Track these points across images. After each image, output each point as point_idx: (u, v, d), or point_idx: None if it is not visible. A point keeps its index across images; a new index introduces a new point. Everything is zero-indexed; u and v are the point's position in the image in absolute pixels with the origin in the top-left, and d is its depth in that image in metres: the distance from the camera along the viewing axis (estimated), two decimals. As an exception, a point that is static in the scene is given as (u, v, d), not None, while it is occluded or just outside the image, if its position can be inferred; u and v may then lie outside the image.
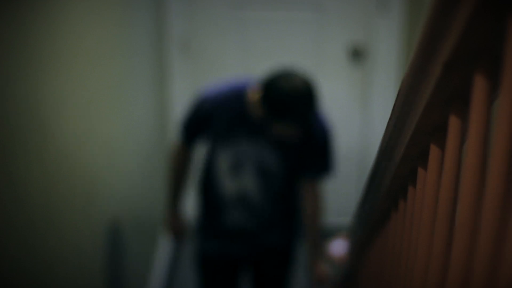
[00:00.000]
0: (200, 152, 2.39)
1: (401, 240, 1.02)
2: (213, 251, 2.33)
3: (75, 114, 1.80)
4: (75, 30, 1.77)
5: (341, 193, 3.51)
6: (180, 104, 3.34)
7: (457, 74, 0.63)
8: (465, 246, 0.61)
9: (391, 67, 3.35)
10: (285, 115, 1.98)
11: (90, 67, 1.94)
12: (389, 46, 3.33)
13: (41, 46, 1.48)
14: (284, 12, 3.40)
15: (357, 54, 3.40)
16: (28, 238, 1.42)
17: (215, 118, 2.14)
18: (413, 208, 0.92)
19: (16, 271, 1.36)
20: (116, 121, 2.29)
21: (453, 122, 0.69)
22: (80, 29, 1.82)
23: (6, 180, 1.30)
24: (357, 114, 3.51)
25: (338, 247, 2.18)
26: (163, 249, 3.27)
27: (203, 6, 3.37)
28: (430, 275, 0.73)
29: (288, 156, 2.18)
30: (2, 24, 1.26)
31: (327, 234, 2.53)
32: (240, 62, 3.40)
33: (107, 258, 2.15)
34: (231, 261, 2.38)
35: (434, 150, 0.78)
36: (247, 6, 3.37)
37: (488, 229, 0.52)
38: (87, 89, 1.91)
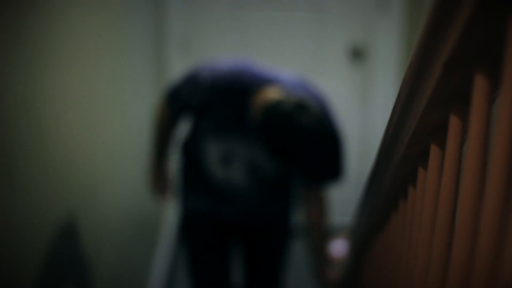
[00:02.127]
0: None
1: (401, 240, 1.02)
2: (199, 211, 2.12)
3: (75, 114, 1.80)
4: (75, 30, 1.77)
5: (341, 193, 3.51)
6: (180, 104, 3.34)
7: (457, 74, 0.63)
8: (466, 246, 0.61)
9: (391, 67, 3.35)
10: (287, 166, 1.76)
11: (90, 67, 1.94)
12: (389, 46, 3.33)
13: (41, 46, 1.48)
14: (284, 12, 3.40)
15: (357, 54, 3.40)
16: (28, 238, 1.42)
17: (210, 111, 1.94)
18: (413, 208, 0.92)
19: (15, 271, 1.36)
20: (116, 120, 2.29)
21: (453, 122, 0.69)
22: (80, 29, 1.82)
23: (6, 180, 1.30)
24: (357, 114, 3.51)
25: (338, 247, 2.18)
26: (163, 249, 3.27)
27: (203, 6, 3.37)
28: (430, 275, 0.73)
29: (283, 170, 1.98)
30: (2, 25, 1.26)
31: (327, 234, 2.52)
32: (240, 62, 3.40)
33: (107, 257, 2.15)
34: (220, 224, 2.15)
35: (434, 150, 0.78)
36: (247, 6, 3.37)
37: (489, 229, 0.52)
38: (87, 89, 1.91)
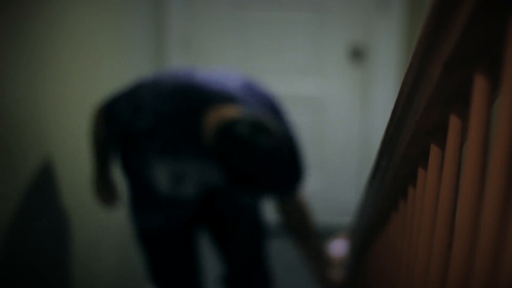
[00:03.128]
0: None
1: (401, 240, 1.02)
2: (150, 224, 1.96)
3: (75, 113, 1.80)
4: (75, 31, 1.77)
5: (341, 193, 3.51)
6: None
7: (457, 74, 0.63)
8: (466, 246, 0.61)
9: (391, 67, 3.35)
10: (246, 187, 1.68)
11: (90, 67, 1.94)
12: (389, 46, 3.33)
13: (41, 46, 1.48)
14: (284, 12, 3.40)
15: (357, 54, 3.40)
16: (27, 236, 1.42)
17: (157, 134, 1.78)
18: (413, 208, 0.92)
19: (16, 271, 1.36)
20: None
21: (453, 122, 0.69)
22: (80, 29, 1.82)
23: (6, 179, 1.30)
24: (357, 114, 3.51)
25: (338, 247, 2.17)
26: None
27: (203, 6, 3.37)
28: (430, 275, 0.73)
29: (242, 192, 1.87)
30: (3, 25, 1.26)
31: (327, 234, 2.52)
32: (240, 62, 3.40)
33: (107, 257, 2.15)
34: (176, 224, 1.98)
35: (434, 150, 0.78)
36: (247, 6, 3.37)
37: (489, 229, 0.52)
38: (87, 89, 1.90)
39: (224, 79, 1.81)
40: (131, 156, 1.87)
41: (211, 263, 2.52)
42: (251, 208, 2.04)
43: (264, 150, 1.60)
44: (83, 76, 1.86)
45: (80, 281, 1.82)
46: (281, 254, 3.02)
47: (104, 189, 2.03)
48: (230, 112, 1.69)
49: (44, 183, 1.55)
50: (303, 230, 1.95)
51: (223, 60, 3.42)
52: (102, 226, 2.08)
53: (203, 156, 1.77)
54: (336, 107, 3.40)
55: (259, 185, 1.65)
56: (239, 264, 2.10)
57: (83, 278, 1.86)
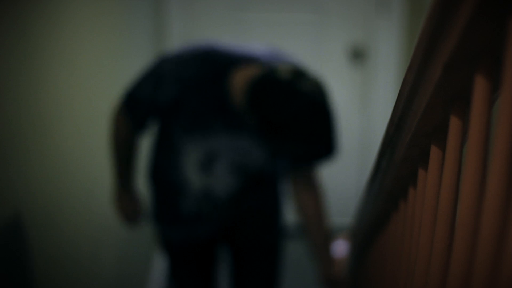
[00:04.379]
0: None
1: (401, 240, 1.02)
2: (175, 237, 1.88)
3: (76, 114, 1.80)
4: (75, 32, 1.77)
5: (341, 194, 3.51)
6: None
7: (457, 75, 0.63)
8: (466, 246, 0.60)
9: (392, 68, 3.35)
10: (283, 142, 1.57)
11: (90, 67, 1.94)
12: (389, 46, 3.32)
13: (42, 47, 1.48)
14: (284, 13, 3.40)
15: (357, 55, 3.40)
16: (28, 236, 1.42)
17: (183, 105, 1.65)
18: (413, 209, 0.91)
19: (13, 270, 1.36)
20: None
21: (454, 123, 0.69)
22: (80, 30, 1.82)
23: (6, 179, 1.30)
24: (357, 114, 3.51)
25: (339, 248, 2.17)
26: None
27: (203, 7, 3.37)
28: (431, 275, 0.73)
29: (279, 150, 1.72)
30: (4, 25, 1.26)
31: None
32: (240, 63, 3.40)
33: (107, 258, 2.15)
34: (202, 241, 1.89)
35: (434, 151, 0.78)
36: (247, 8, 3.37)
37: (489, 230, 0.52)
38: (88, 89, 1.90)
39: (247, 46, 1.72)
40: (158, 142, 1.76)
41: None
42: (276, 244, 1.96)
43: (308, 95, 1.51)
44: (84, 77, 1.86)
45: (80, 281, 1.82)
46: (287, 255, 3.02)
47: (127, 203, 1.94)
48: (257, 70, 1.59)
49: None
50: (314, 217, 1.83)
51: (223, 61, 3.42)
52: (102, 226, 2.08)
53: (235, 128, 1.65)
54: (336, 107, 3.40)
55: (297, 136, 1.54)
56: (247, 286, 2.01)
57: (83, 278, 1.86)
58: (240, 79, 1.59)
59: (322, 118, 1.57)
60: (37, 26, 1.46)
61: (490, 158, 0.55)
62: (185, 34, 3.37)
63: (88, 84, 1.90)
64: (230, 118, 1.65)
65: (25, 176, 1.40)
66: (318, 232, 1.85)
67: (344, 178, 3.51)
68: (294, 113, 1.51)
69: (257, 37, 3.38)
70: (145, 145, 2.17)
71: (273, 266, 1.98)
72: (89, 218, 1.92)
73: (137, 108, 1.72)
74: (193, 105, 1.64)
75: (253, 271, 1.98)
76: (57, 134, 1.64)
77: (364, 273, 1.72)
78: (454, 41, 0.57)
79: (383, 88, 3.39)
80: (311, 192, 1.81)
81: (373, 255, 1.50)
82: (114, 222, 2.21)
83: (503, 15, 0.52)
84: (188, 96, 1.64)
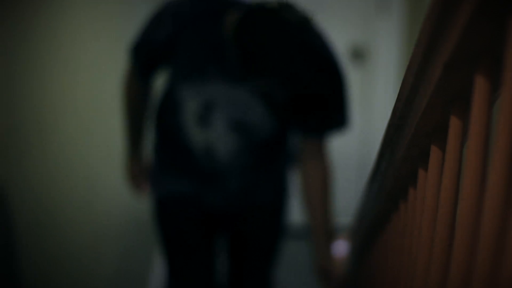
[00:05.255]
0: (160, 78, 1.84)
1: (401, 240, 1.02)
2: (175, 195, 1.73)
3: (76, 115, 1.80)
4: (76, 32, 1.77)
5: (341, 194, 3.51)
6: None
7: (457, 75, 0.63)
8: (466, 247, 0.60)
9: (392, 68, 3.35)
10: (258, 74, 1.44)
11: (92, 68, 1.94)
12: (389, 46, 3.32)
13: (42, 47, 1.48)
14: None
15: (357, 55, 3.40)
16: (28, 237, 1.42)
17: (180, 45, 1.56)
18: (413, 209, 0.91)
19: (12, 270, 1.36)
20: (117, 121, 2.29)
21: (454, 123, 0.69)
22: (81, 30, 1.82)
23: (6, 179, 1.30)
24: (357, 115, 3.51)
25: (339, 248, 2.16)
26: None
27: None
28: (431, 276, 0.73)
29: (281, 107, 1.60)
30: (4, 26, 1.26)
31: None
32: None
33: (108, 258, 2.15)
34: (201, 211, 1.74)
35: (434, 151, 0.77)
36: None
37: (489, 230, 0.51)
38: (88, 90, 1.90)
39: None
40: (163, 91, 1.68)
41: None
42: (277, 239, 1.86)
43: (295, 26, 1.40)
44: (84, 77, 1.86)
45: (80, 280, 1.82)
46: (287, 255, 3.01)
47: (136, 170, 1.88)
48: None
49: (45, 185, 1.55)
50: (318, 193, 1.71)
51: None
52: (103, 223, 2.08)
53: (233, 77, 1.53)
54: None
55: (294, 73, 1.41)
56: (241, 276, 1.90)
57: (83, 278, 1.86)
58: (233, 20, 1.49)
59: (318, 56, 1.47)
60: (36, 25, 1.46)
61: (490, 158, 0.55)
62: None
63: (90, 84, 1.90)
64: (227, 65, 1.53)
65: (26, 173, 1.40)
66: (320, 216, 1.72)
67: (344, 177, 3.51)
68: (283, 43, 1.40)
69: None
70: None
71: (269, 262, 1.89)
72: (90, 215, 1.92)
73: (140, 53, 1.67)
74: (189, 46, 1.56)
75: (250, 265, 1.88)
76: (59, 133, 1.64)
77: (364, 273, 1.72)
78: (454, 41, 0.57)
79: (383, 88, 3.39)
80: (319, 166, 1.69)
81: (373, 255, 1.50)
82: (116, 219, 2.21)
83: (503, 15, 0.52)
84: (183, 35, 1.56)
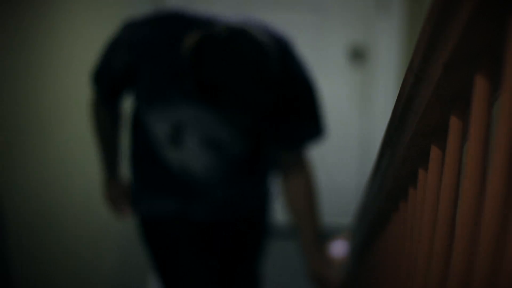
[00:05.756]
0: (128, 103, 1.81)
1: (401, 241, 1.02)
2: (158, 214, 1.71)
3: (76, 115, 1.80)
4: (77, 33, 1.77)
5: (341, 194, 3.51)
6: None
7: (457, 75, 0.63)
8: (466, 247, 0.60)
9: (392, 68, 3.35)
10: (213, 96, 1.39)
11: (90, 68, 1.94)
12: (389, 46, 3.32)
13: (42, 48, 1.48)
14: (284, 13, 3.40)
15: (357, 55, 3.40)
16: (28, 237, 1.42)
17: (140, 73, 1.53)
18: (414, 209, 0.91)
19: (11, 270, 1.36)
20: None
21: (454, 123, 0.69)
22: (82, 31, 1.82)
23: (7, 179, 1.30)
24: (357, 115, 3.51)
25: (339, 248, 2.16)
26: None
27: (202, 8, 3.37)
28: (431, 276, 0.73)
29: (250, 123, 1.59)
30: (4, 26, 1.26)
31: (327, 235, 2.51)
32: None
33: (108, 259, 2.15)
34: (186, 226, 1.73)
35: (434, 151, 0.78)
36: (246, 8, 3.37)
37: (489, 230, 0.52)
38: (88, 92, 1.90)
39: (218, 14, 1.59)
40: (131, 119, 1.66)
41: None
42: (262, 242, 1.86)
43: (247, 55, 1.35)
44: (84, 77, 1.86)
45: (80, 280, 1.82)
46: (284, 257, 3.01)
47: (114, 192, 1.84)
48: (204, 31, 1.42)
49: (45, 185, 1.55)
50: (302, 202, 1.70)
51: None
52: (102, 226, 2.08)
53: (197, 98, 1.45)
54: (337, 108, 3.40)
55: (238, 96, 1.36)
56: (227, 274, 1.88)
57: (83, 278, 1.86)
58: (190, 45, 1.43)
59: (278, 76, 1.42)
60: (37, 25, 1.46)
61: (490, 158, 0.55)
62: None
63: (88, 86, 1.90)
64: (190, 87, 1.50)
65: (25, 177, 1.40)
66: (307, 224, 1.72)
67: (344, 178, 3.51)
68: (231, 69, 1.35)
69: (257, 37, 3.38)
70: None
71: (254, 264, 1.89)
72: (89, 218, 1.92)
73: (101, 80, 1.63)
74: (150, 70, 1.52)
75: (235, 268, 1.87)
76: (60, 133, 1.63)
77: (364, 273, 1.72)
78: (454, 41, 0.57)
79: (383, 88, 3.39)
80: (300, 177, 1.68)
81: (373, 255, 1.50)
82: (115, 223, 2.21)
83: (503, 15, 0.52)
84: (143, 60, 1.52)
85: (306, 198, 1.70)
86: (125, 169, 1.91)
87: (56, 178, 1.63)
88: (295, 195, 1.70)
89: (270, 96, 1.42)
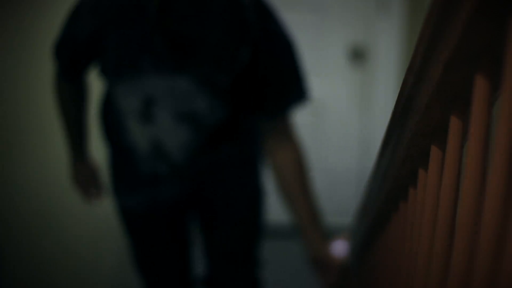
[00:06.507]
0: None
1: (402, 241, 1.02)
2: (135, 204, 1.64)
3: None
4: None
5: (341, 194, 3.51)
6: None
7: (457, 75, 0.63)
8: (466, 247, 0.60)
9: (392, 68, 3.35)
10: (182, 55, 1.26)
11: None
12: (389, 46, 3.32)
13: (42, 48, 1.48)
14: (284, 14, 3.40)
15: (357, 55, 3.40)
16: (27, 237, 1.42)
17: (106, 42, 1.38)
18: (414, 209, 0.91)
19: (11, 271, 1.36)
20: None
21: (454, 123, 0.69)
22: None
23: (7, 180, 1.30)
24: (357, 114, 3.51)
25: (339, 248, 2.16)
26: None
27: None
28: (431, 276, 0.73)
29: (226, 84, 1.42)
30: (4, 26, 1.26)
31: (327, 235, 2.51)
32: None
33: (108, 259, 2.15)
34: (164, 208, 1.65)
35: (434, 151, 0.77)
36: (247, 7, 3.37)
37: (489, 230, 0.52)
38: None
39: None
40: (102, 94, 1.54)
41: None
42: (247, 200, 1.71)
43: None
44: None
45: (80, 280, 1.82)
46: (285, 257, 3.01)
47: (83, 175, 1.70)
48: None
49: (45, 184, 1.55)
50: (295, 175, 1.54)
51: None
52: (102, 226, 2.07)
53: (168, 67, 1.36)
54: (337, 108, 3.40)
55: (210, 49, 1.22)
56: (222, 263, 1.76)
57: (84, 278, 1.86)
58: (156, 5, 1.28)
59: (255, 29, 1.29)
60: (37, 25, 1.46)
61: (490, 158, 0.55)
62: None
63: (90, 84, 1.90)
64: (160, 55, 1.35)
65: (25, 177, 1.40)
66: (301, 201, 1.57)
67: (344, 177, 3.51)
68: (202, 19, 1.21)
69: (257, 37, 3.38)
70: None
71: (247, 236, 1.74)
72: (89, 219, 1.92)
73: (63, 53, 1.49)
74: (116, 40, 1.37)
75: (224, 242, 1.73)
76: (57, 136, 1.63)
77: (364, 273, 1.72)
78: (454, 41, 0.57)
79: (383, 88, 3.39)
80: (288, 148, 1.53)
81: (373, 255, 1.50)
82: (114, 223, 2.21)
83: (503, 15, 0.52)
84: (107, 29, 1.37)
85: (297, 173, 1.54)
86: (93, 150, 1.79)
87: (56, 178, 1.63)
88: (284, 168, 1.54)
89: (247, 50, 1.28)
